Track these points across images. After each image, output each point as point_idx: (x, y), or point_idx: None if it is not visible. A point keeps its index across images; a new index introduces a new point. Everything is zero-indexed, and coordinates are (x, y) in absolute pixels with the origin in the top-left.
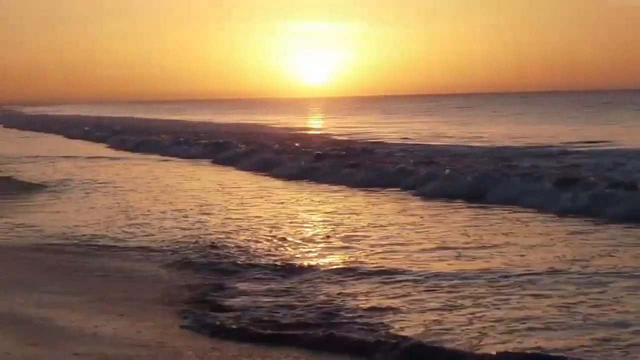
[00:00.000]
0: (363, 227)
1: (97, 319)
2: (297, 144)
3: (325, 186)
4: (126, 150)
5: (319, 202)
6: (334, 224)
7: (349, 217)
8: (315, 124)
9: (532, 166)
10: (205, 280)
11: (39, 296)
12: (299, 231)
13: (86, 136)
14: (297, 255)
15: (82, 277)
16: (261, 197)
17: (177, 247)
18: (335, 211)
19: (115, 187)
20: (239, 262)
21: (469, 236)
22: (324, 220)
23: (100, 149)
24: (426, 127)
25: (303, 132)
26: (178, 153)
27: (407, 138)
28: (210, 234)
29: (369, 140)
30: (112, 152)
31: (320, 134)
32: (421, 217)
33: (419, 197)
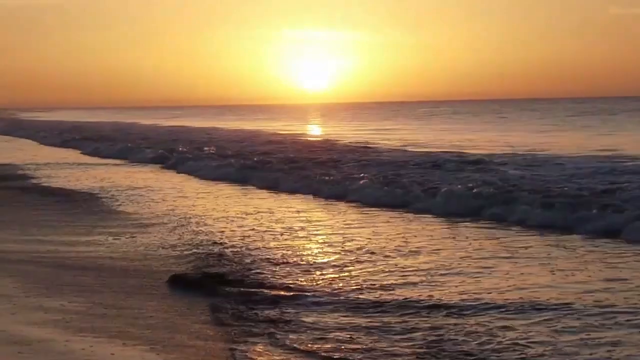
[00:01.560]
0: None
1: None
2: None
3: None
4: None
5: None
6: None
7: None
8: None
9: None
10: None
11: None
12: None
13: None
14: (369, 281)
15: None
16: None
17: (237, 266)
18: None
19: (156, 193)
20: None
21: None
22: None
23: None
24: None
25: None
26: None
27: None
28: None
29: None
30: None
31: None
32: (454, 238)
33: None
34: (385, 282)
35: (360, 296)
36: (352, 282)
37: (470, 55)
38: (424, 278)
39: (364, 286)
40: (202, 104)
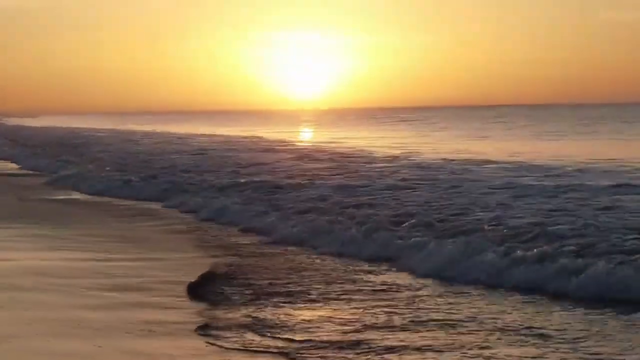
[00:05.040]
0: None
1: None
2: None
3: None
4: None
5: None
6: None
7: None
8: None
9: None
10: None
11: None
12: None
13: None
14: None
15: None
16: None
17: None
18: None
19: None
20: None
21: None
22: None
23: None
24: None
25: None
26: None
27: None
28: None
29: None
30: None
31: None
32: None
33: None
34: None
35: None
36: None
37: (462, 59)
38: None
39: None
40: (186, 110)
